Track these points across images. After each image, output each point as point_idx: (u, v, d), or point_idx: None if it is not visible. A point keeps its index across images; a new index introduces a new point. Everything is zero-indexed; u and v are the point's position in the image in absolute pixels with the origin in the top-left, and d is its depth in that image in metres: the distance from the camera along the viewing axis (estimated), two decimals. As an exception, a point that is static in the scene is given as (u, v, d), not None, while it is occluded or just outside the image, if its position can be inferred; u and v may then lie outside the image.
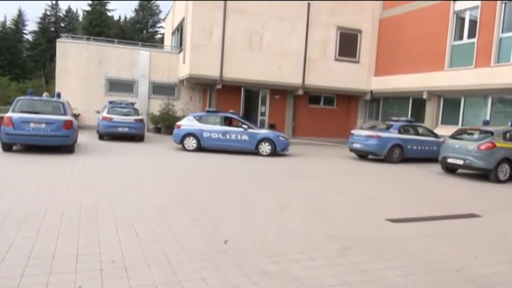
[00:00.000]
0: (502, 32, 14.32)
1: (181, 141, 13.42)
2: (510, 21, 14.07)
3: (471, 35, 15.50)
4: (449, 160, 11.09)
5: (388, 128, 13.98)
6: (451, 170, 11.61)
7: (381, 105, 20.65)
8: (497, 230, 5.86)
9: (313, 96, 21.05)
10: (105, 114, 14.94)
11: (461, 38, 16.06)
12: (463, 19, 15.97)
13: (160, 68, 20.43)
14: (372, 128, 15.00)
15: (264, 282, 3.55)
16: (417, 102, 18.09)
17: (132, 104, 16.47)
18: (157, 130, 19.53)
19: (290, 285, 3.53)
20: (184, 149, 13.31)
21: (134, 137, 15.25)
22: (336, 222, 5.76)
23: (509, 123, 11.53)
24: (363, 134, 13.96)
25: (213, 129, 13.35)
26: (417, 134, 14.25)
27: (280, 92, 20.08)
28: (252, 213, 5.93)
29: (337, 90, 20.23)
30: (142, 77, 20.14)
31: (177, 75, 20.45)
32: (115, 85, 19.93)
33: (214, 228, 5.00)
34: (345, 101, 21.66)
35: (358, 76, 20.10)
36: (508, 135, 10.71)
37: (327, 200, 7.24)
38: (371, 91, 20.31)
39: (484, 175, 10.67)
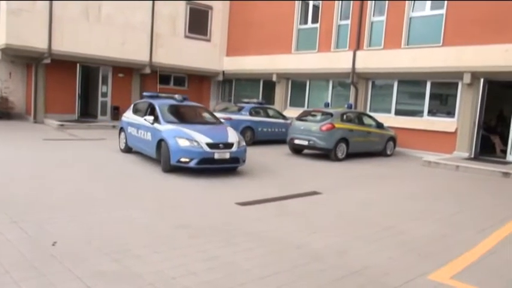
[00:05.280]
0: (340, 19, 16.35)
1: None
2: (347, 9, 16.12)
3: (314, 20, 17.27)
4: (296, 141, 12.29)
5: (239, 110, 14.70)
6: (298, 150, 12.89)
7: (234, 86, 21.52)
8: (335, 206, 6.78)
9: (163, 76, 20.66)
10: None
11: (306, 22, 17.75)
12: (308, 4, 17.66)
13: (-36, 34, 17.24)
14: (224, 110, 15.57)
15: (100, 284, 3.40)
16: (268, 85, 19.43)
17: None
18: (-36, 114, 16.60)
19: (130, 284, 3.46)
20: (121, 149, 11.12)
21: None
22: (185, 211, 5.85)
23: (346, 105, 13.39)
24: (215, 116, 14.32)
25: (133, 122, 10.47)
26: (267, 116, 15.35)
27: (124, 70, 19.11)
28: (89, 209, 5.58)
29: (188, 69, 20.27)
30: None
31: (-11, 45, 17.59)
32: None
33: (40, 230, 4.55)
34: (196, 82, 21.86)
35: (209, 56, 20.46)
36: (345, 116, 12.39)
37: (176, 190, 7.29)
38: (223, 72, 20.96)
39: (326, 154, 12.17)
